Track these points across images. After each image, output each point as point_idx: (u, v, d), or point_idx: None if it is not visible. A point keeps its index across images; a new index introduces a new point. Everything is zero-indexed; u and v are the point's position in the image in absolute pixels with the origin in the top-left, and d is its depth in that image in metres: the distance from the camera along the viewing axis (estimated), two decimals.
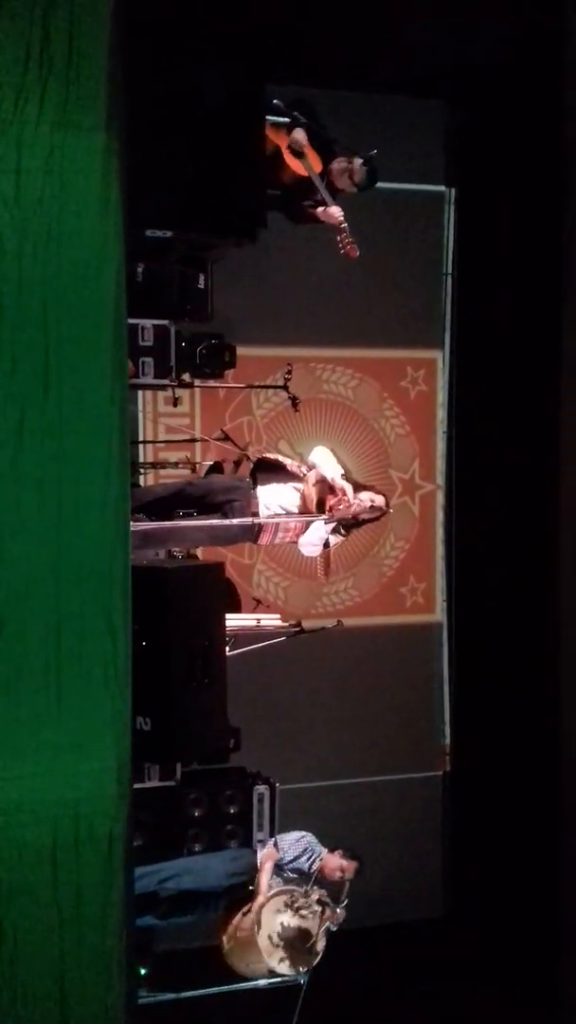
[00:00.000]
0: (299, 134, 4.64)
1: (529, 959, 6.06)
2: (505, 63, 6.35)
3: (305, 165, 4.64)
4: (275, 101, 4.68)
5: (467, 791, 7.04)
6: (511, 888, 6.41)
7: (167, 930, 5.15)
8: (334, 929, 4.62)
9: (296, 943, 4.63)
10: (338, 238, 4.70)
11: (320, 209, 4.73)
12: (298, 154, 4.64)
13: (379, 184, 5.10)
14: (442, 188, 7.18)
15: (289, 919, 4.63)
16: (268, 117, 4.47)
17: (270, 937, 4.59)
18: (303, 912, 4.61)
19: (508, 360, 6.80)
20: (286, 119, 4.72)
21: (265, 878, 4.69)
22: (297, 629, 5.44)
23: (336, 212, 4.67)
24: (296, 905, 4.63)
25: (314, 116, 4.82)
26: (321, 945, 4.64)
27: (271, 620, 5.39)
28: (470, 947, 6.41)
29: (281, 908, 4.64)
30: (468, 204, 7.12)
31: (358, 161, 4.79)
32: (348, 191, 4.90)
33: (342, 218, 4.67)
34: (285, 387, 5.47)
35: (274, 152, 4.59)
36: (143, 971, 4.78)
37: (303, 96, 4.85)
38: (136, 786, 3.94)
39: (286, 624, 5.43)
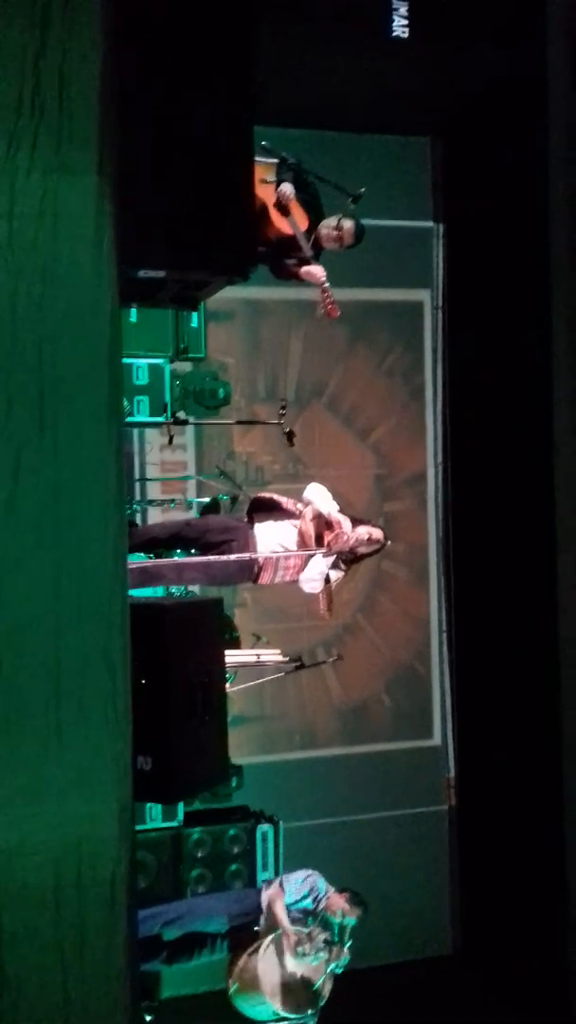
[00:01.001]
0: (286, 188, 4.69)
1: (539, 995, 5.97)
2: (490, 98, 6.47)
3: (291, 223, 4.69)
4: (263, 143, 4.74)
5: (473, 824, 6.98)
6: (520, 922, 6.33)
7: (173, 974, 5.07)
8: (339, 972, 4.55)
9: (301, 986, 4.56)
10: (320, 298, 4.76)
11: (303, 269, 4.78)
12: (284, 211, 4.68)
13: (368, 221, 5.15)
14: (430, 224, 7.28)
15: (294, 961, 4.56)
16: (258, 159, 4.52)
17: (275, 980, 4.53)
18: (308, 954, 4.55)
19: (500, 392, 6.85)
20: (274, 160, 4.77)
21: (283, 915, 4.63)
22: (297, 664, 5.42)
23: (318, 272, 4.72)
24: (301, 947, 4.57)
25: (301, 178, 4.86)
26: (327, 988, 4.57)
27: (271, 655, 5.37)
28: (479, 984, 6.32)
29: (286, 950, 4.58)
30: (456, 239, 7.22)
31: (347, 224, 4.82)
32: (335, 250, 4.95)
33: (324, 278, 4.72)
34: (280, 423, 5.50)
35: (260, 208, 4.65)
36: (148, 1017, 4.70)
37: (291, 138, 4.91)
38: (138, 827, 3.89)
39: (286, 659, 5.40)
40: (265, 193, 4.70)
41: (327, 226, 4.85)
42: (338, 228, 4.81)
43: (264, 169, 4.73)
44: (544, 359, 6.27)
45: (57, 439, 3.07)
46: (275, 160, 4.78)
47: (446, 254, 7.26)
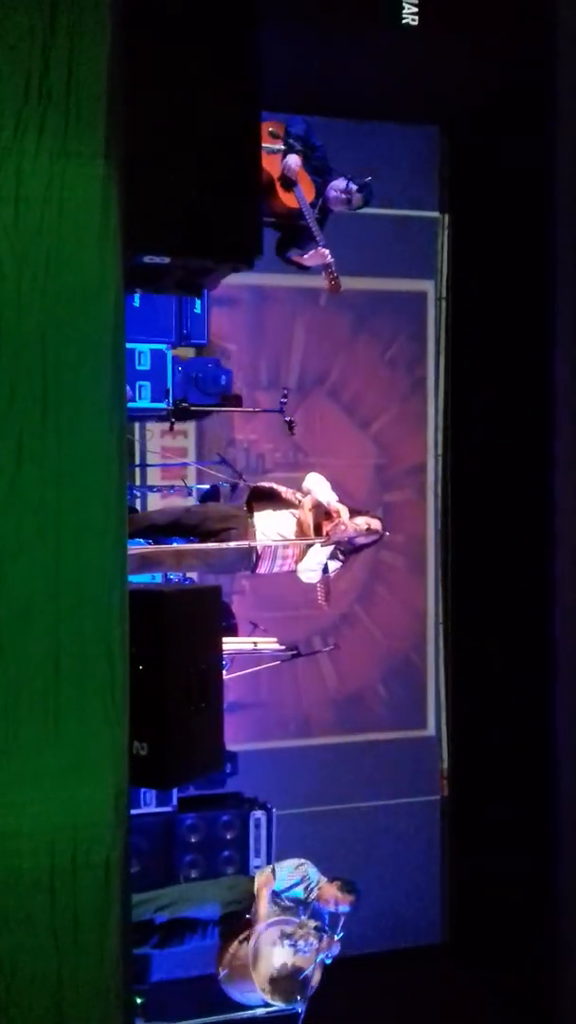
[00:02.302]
0: (292, 161, 4.66)
1: (528, 985, 6.01)
2: (499, 88, 6.44)
3: (298, 197, 4.67)
4: (270, 129, 4.72)
5: (465, 814, 7.01)
6: (510, 912, 6.37)
7: (163, 959, 5.10)
8: (329, 963, 4.57)
9: (291, 975, 4.58)
10: (324, 274, 4.76)
11: (307, 255, 4.78)
12: (290, 185, 4.66)
13: (373, 210, 5.14)
14: (436, 214, 7.25)
15: (284, 951, 4.58)
16: (264, 145, 4.50)
17: (265, 969, 4.55)
18: (299, 943, 4.57)
19: (501, 383, 6.84)
20: (279, 147, 4.75)
21: (264, 906, 4.66)
22: (294, 652, 5.43)
23: (325, 254, 4.72)
24: (292, 936, 4.59)
25: (310, 138, 4.84)
26: (317, 977, 4.59)
27: (268, 643, 5.38)
28: (469, 973, 6.36)
29: (277, 939, 4.60)
30: (461, 230, 7.19)
31: (355, 188, 4.82)
32: (340, 212, 4.95)
33: (330, 256, 4.71)
34: (281, 411, 5.49)
35: (267, 182, 4.63)
36: (139, 1000, 4.74)
37: (297, 118, 4.90)
38: (132, 812, 3.91)
39: (283, 647, 5.41)
40: (271, 165, 4.68)
41: (336, 188, 4.83)
42: (347, 192, 4.80)
43: (270, 156, 4.70)
44: (546, 351, 6.26)
45: (59, 425, 3.06)
46: (281, 148, 4.76)
47: (451, 245, 7.23)
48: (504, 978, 6.13)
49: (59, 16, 3.05)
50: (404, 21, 6.01)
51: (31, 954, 3.07)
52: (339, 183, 4.85)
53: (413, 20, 6.02)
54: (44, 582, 3.01)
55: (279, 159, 4.69)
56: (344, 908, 4.69)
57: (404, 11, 5.97)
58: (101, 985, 3.18)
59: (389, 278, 7.15)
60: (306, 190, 4.73)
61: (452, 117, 6.98)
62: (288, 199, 4.70)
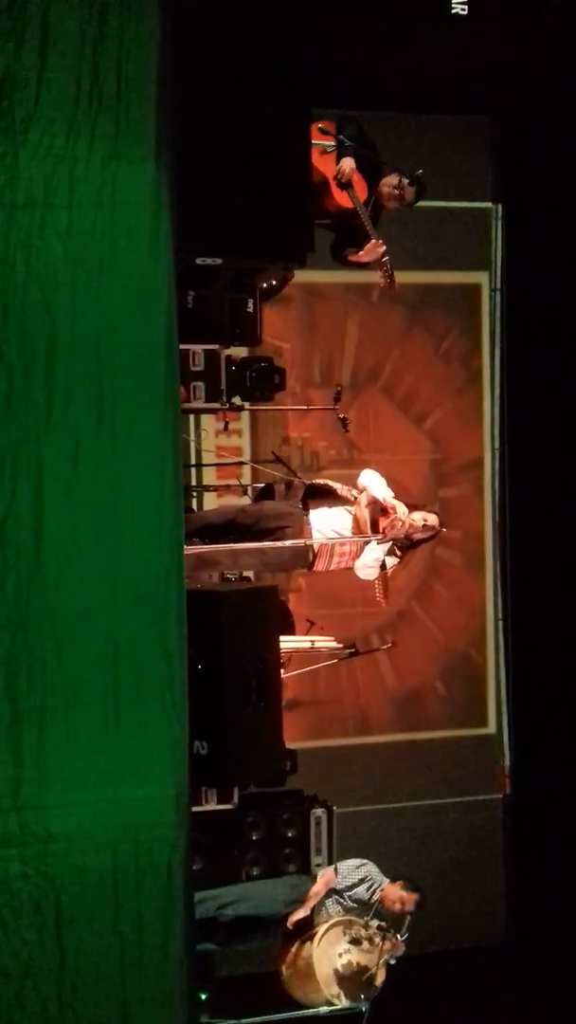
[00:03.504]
0: (346, 164, 4.66)
1: None
2: (549, 77, 6.33)
3: (351, 197, 4.68)
4: (320, 126, 4.71)
5: (528, 813, 6.92)
6: (574, 912, 6.27)
7: (227, 955, 5.12)
8: (393, 963, 4.54)
9: (355, 975, 4.56)
10: (380, 271, 4.75)
11: (363, 252, 4.77)
12: (345, 186, 4.67)
13: (425, 203, 5.12)
14: (489, 204, 7.16)
15: (348, 951, 4.57)
16: (314, 142, 4.50)
17: (329, 968, 4.54)
18: (363, 944, 4.55)
19: (559, 376, 6.73)
20: (332, 145, 4.74)
21: (312, 901, 4.65)
22: (352, 651, 5.41)
23: (380, 249, 4.71)
24: (356, 936, 4.57)
25: (361, 136, 4.83)
26: (381, 977, 4.56)
27: (325, 642, 5.37)
28: (532, 974, 6.28)
29: (341, 939, 4.58)
30: (515, 219, 7.09)
31: (407, 183, 4.81)
32: (394, 208, 4.94)
33: (384, 251, 4.71)
34: (335, 408, 5.47)
35: (321, 182, 4.63)
36: (204, 996, 4.76)
37: (349, 116, 4.89)
38: (194, 809, 3.94)
39: (340, 646, 5.39)
40: (325, 165, 4.68)
41: (388, 185, 4.83)
42: (399, 188, 4.81)
43: (323, 156, 4.70)
44: None
45: (115, 428, 3.09)
46: (333, 145, 4.75)
47: (505, 235, 7.13)
48: (569, 978, 6.04)
49: (108, 20, 3.08)
50: (454, 11, 5.94)
51: (96, 953, 3.10)
52: (391, 179, 4.84)
53: (462, 10, 5.95)
54: (102, 584, 3.04)
55: (332, 159, 4.69)
56: (408, 908, 4.66)
57: (454, 1, 5.91)
58: (165, 984, 3.21)
59: (442, 271, 7.07)
60: (359, 189, 4.73)
61: (503, 106, 6.87)
62: (342, 199, 4.71)
